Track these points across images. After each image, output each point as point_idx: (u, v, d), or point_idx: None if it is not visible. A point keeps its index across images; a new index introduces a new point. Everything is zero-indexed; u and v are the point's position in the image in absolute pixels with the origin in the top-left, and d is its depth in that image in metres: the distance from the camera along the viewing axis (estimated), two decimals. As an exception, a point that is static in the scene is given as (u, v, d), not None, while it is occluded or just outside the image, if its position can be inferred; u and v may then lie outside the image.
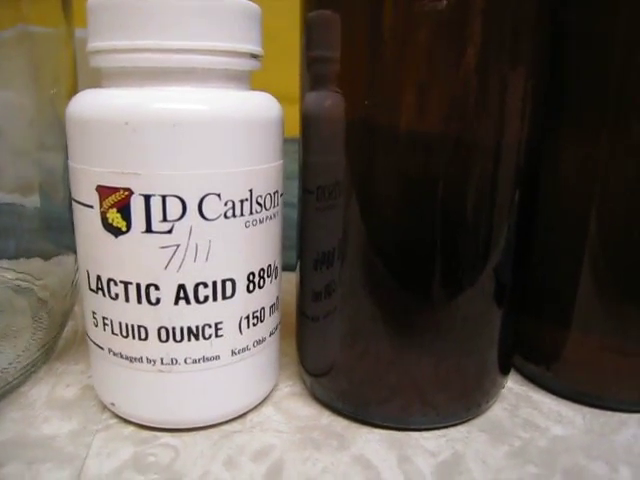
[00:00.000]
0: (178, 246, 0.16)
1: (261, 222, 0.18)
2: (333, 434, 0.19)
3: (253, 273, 0.18)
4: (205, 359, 0.18)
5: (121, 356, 0.18)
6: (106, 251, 0.17)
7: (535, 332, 0.22)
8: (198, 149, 0.16)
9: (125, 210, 0.16)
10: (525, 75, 0.17)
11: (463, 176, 0.17)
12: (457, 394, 0.19)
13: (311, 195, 0.19)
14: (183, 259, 0.17)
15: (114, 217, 0.16)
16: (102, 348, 0.18)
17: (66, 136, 0.17)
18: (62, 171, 0.23)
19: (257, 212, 0.17)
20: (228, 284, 0.17)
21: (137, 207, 0.16)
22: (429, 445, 0.19)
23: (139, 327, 0.17)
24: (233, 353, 0.18)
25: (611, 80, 0.18)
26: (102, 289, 0.17)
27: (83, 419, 0.19)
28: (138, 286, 0.17)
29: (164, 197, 0.16)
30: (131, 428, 0.19)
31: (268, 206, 0.18)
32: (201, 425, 0.19)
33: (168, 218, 0.16)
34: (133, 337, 0.17)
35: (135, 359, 0.18)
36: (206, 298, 0.17)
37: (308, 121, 0.19)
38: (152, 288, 0.17)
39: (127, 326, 0.17)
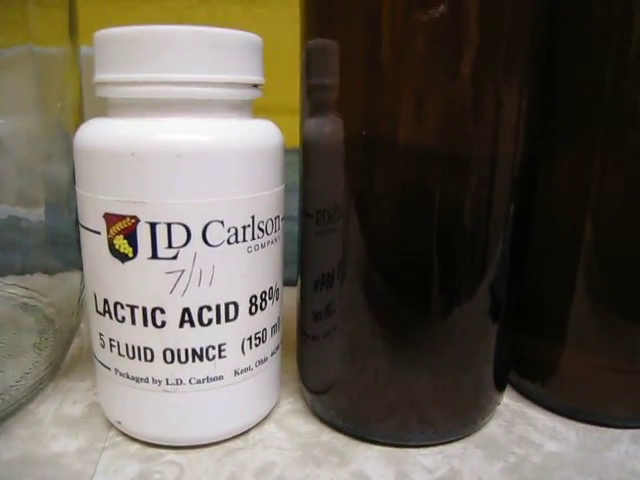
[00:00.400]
0: (183, 271, 0.17)
1: (263, 247, 0.18)
2: (333, 451, 0.20)
3: (255, 296, 0.18)
4: (209, 379, 0.18)
5: (127, 376, 0.18)
6: (113, 276, 0.17)
7: (531, 349, 0.23)
8: (202, 178, 0.17)
9: (131, 237, 0.17)
10: (520, 86, 0.17)
11: (460, 196, 0.17)
12: (454, 411, 0.20)
13: (311, 219, 0.19)
14: (188, 284, 0.17)
15: (121, 243, 0.17)
16: (109, 368, 0.19)
17: (73, 161, 0.18)
18: (67, 186, 0.24)
19: (259, 237, 0.18)
20: (231, 307, 0.18)
21: (143, 234, 0.17)
22: (426, 461, 0.19)
23: (145, 349, 0.18)
24: (236, 373, 0.19)
25: (604, 92, 0.19)
26: (109, 312, 0.18)
27: (90, 436, 0.20)
28: (144, 309, 0.17)
29: (169, 225, 0.17)
30: (137, 446, 0.20)
31: (269, 231, 0.18)
32: (205, 442, 0.19)
33: (173, 245, 0.17)
34: (139, 358, 0.18)
35: (141, 379, 0.18)
36: (210, 321, 0.18)
37: (308, 147, 0.19)
38: (158, 311, 0.17)
39: (133, 348, 0.18)
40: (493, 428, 0.21)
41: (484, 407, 0.20)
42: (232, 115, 0.18)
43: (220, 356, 0.18)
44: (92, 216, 0.17)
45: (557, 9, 0.18)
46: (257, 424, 0.21)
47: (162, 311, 0.17)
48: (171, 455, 0.19)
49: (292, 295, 0.22)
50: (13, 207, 0.26)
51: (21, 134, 0.25)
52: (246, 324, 0.18)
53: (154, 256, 0.17)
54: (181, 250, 0.17)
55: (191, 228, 0.17)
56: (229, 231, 0.17)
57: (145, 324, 0.17)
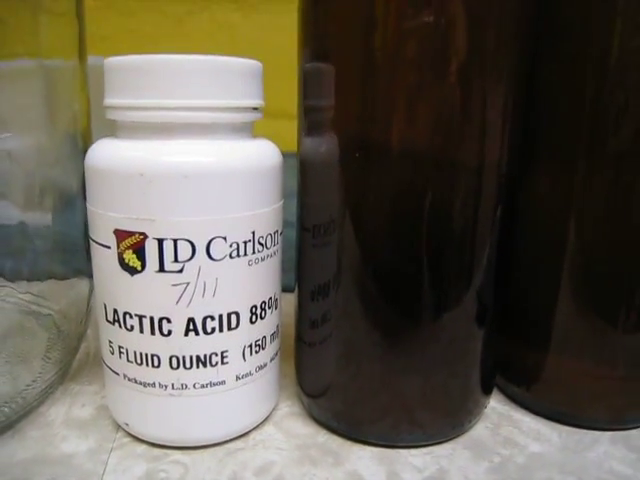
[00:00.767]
0: (188, 284, 0.18)
1: (263, 260, 0.19)
2: (329, 451, 0.21)
3: (255, 306, 0.20)
4: (212, 384, 0.19)
5: (135, 381, 0.20)
6: (122, 288, 0.19)
7: (516, 355, 0.24)
8: (206, 197, 0.18)
9: (140, 252, 0.18)
10: (507, 93, 0.18)
11: (448, 209, 0.18)
12: (442, 414, 0.21)
13: (308, 233, 0.21)
14: (192, 295, 0.18)
15: (130, 258, 0.18)
16: (117, 374, 0.20)
17: (83, 174, 0.19)
18: (75, 194, 0.24)
19: (259, 251, 0.19)
20: (233, 317, 0.19)
21: (151, 249, 0.18)
22: (416, 461, 0.20)
23: (152, 356, 0.19)
24: (237, 378, 0.20)
25: (586, 98, 0.20)
26: (118, 321, 0.19)
27: (99, 438, 0.21)
28: (152, 319, 0.19)
29: (175, 240, 0.18)
30: (143, 446, 0.21)
31: (269, 245, 0.20)
32: (208, 443, 0.21)
33: (179, 259, 0.18)
34: (147, 364, 0.19)
35: (148, 384, 0.19)
36: (213, 329, 0.19)
37: (304, 165, 0.21)
38: (164, 321, 0.18)
39: (141, 354, 0.19)
40: (480, 430, 0.22)
41: (471, 410, 0.22)
42: (234, 137, 0.19)
43: (222, 362, 0.19)
44: (103, 231, 0.19)
45: (541, 17, 0.19)
46: (257, 426, 0.22)
47: (168, 320, 0.18)
48: (176, 455, 0.20)
49: (291, 302, 0.23)
50: (22, 214, 0.27)
51: (30, 144, 0.25)
52: (247, 332, 0.20)
53: (161, 269, 0.18)
54: (186, 264, 0.18)
55: (196, 244, 0.18)
56: (231, 246, 0.18)
57: (152, 333, 0.19)
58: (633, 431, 0.22)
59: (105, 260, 0.19)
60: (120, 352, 0.20)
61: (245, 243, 0.19)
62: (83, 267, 0.24)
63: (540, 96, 0.21)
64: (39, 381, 0.23)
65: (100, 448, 0.21)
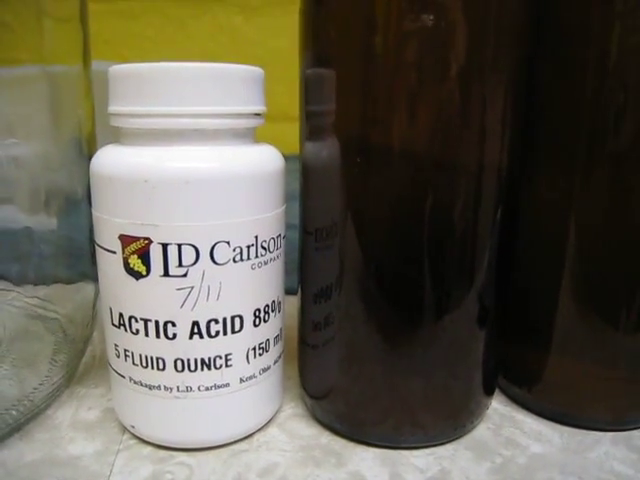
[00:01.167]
0: (192, 288, 0.18)
1: (266, 264, 0.20)
2: (332, 452, 0.21)
3: (259, 309, 0.20)
4: (216, 386, 0.20)
5: (141, 384, 0.20)
6: (128, 292, 0.19)
7: (517, 356, 0.24)
8: (209, 202, 0.18)
9: (145, 256, 0.18)
10: (507, 94, 0.18)
11: (449, 212, 0.19)
12: (444, 415, 0.21)
13: (310, 236, 0.21)
14: (197, 299, 0.19)
15: (135, 262, 0.18)
16: (123, 376, 0.20)
17: (89, 180, 0.19)
18: (81, 199, 0.25)
19: (262, 255, 0.19)
20: (237, 320, 0.19)
21: (156, 254, 0.18)
22: (418, 462, 0.21)
23: (157, 359, 0.19)
24: (241, 381, 0.20)
25: (586, 99, 0.20)
26: (124, 325, 0.19)
27: (106, 440, 0.21)
28: (157, 323, 0.19)
29: (180, 245, 0.18)
30: (149, 448, 0.21)
31: (272, 249, 0.20)
32: (213, 445, 0.21)
33: (183, 264, 0.18)
34: (152, 367, 0.19)
35: (154, 387, 0.20)
36: (217, 333, 0.19)
37: (306, 169, 0.21)
38: (169, 325, 0.19)
39: (147, 358, 0.19)
40: (482, 431, 0.22)
41: (473, 411, 0.22)
42: (236, 142, 0.19)
43: (227, 365, 0.20)
44: (108, 237, 0.19)
45: (540, 20, 0.19)
46: (261, 428, 0.22)
47: (173, 324, 0.19)
48: (181, 457, 0.21)
49: (294, 304, 0.23)
50: (28, 218, 0.27)
51: (35, 150, 0.26)
52: (250, 335, 0.20)
53: (166, 274, 0.18)
54: (190, 268, 0.18)
55: (200, 248, 0.18)
56: (234, 250, 0.19)
57: (157, 336, 0.19)
58: (635, 432, 0.23)
59: (110, 265, 0.19)
60: (126, 355, 0.20)
61: (248, 247, 0.19)
62: (89, 271, 0.25)
63: (539, 97, 0.21)
64: (46, 384, 0.23)
65: (107, 450, 0.21)
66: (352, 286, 0.20)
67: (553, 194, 0.21)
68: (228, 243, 0.18)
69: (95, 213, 0.19)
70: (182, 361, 0.19)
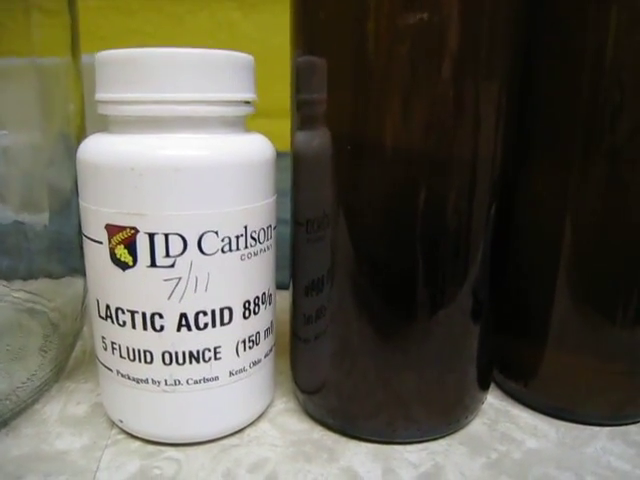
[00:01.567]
0: (180, 279, 0.18)
1: (255, 255, 0.19)
2: (324, 447, 0.21)
3: (249, 301, 0.20)
4: (205, 380, 0.19)
5: (128, 377, 0.19)
6: (114, 283, 0.19)
7: (514, 350, 0.24)
8: (197, 191, 0.18)
9: (131, 246, 0.18)
10: (501, 90, 0.18)
11: (442, 202, 0.18)
12: (438, 409, 0.21)
13: (301, 227, 0.20)
14: (184, 290, 0.18)
15: (121, 253, 0.18)
16: (111, 370, 0.20)
17: (76, 173, 0.19)
18: (70, 193, 0.24)
19: (252, 246, 0.19)
20: (226, 312, 0.19)
21: (142, 244, 0.18)
22: (412, 457, 0.20)
23: (145, 351, 0.19)
24: (231, 374, 0.20)
25: (582, 95, 0.19)
26: (111, 317, 0.19)
27: (93, 435, 0.21)
28: (144, 315, 0.18)
29: (167, 235, 0.18)
30: (138, 443, 0.21)
31: (262, 240, 0.19)
32: (202, 440, 0.21)
33: (170, 254, 0.18)
34: (139, 360, 0.19)
35: (141, 380, 0.19)
36: (206, 325, 0.19)
37: (297, 159, 0.20)
38: (157, 316, 0.18)
39: (134, 350, 0.19)
40: (477, 426, 0.22)
41: (468, 406, 0.21)
42: (226, 130, 0.19)
43: (216, 358, 0.19)
44: (94, 227, 0.18)
45: (535, 15, 0.19)
46: (252, 422, 0.22)
47: (161, 316, 0.18)
48: (170, 452, 0.20)
49: (287, 299, 0.23)
50: (18, 213, 0.27)
51: (25, 143, 0.26)
52: (240, 328, 0.20)
53: (153, 264, 0.18)
54: (178, 259, 0.18)
55: (187, 238, 0.18)
56: (223, 240, 0.18)
57: (145, 328, 0.19)
58: (632, 426, 0.22)
59: (97, 255, 0.19)
60: (113, 348, 0.19)
61: (237, 238, 0.19)
62: (79, 265, 0.24)
63: (535, 95, 0.21)
64: (34, 379, 0.23)
65: (94, 445, 0.21)
66: (344, 279, 0.20)
67: (550, 190, 0.21)
68: (216, 233, 0.18)
69: (82, 203, 0.19)
70: (170, 354, 0.19)
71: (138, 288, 0.18)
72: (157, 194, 0.17)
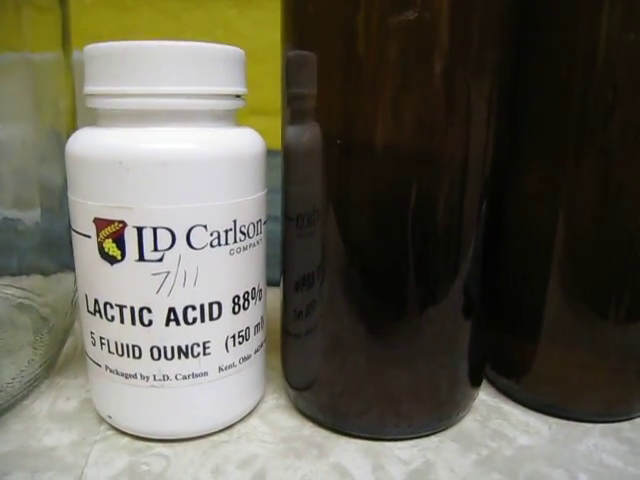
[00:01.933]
0: (168, 273, 0.18)
1: (245, 249, 0.19)
2: (314, 444, 0.20)
3: (238, 296, 0.19)
4: (194, 375, 0.19)
5: (117, 372, 0.19)
6: (103, 277, 0.18)
7: (506, 347, 0.24)
8: (186, 185, 0.17)
9: (120, 240, 0.18)
10: (492, 88, 0.18)
11: (434, 198, 0.18)
12: (429, 406, 0.21)
13: (292, 222, 0.20)
14: (173, 284, 0.18)
15: (110, 247, 0.18)
16: (99, 365, 0.20)
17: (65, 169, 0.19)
18: (62, 190, 0.24)
19: (241, 240, 0.19)
20: (215, 307, 0.19)
21: (130, 238, 0.18)
22: (402, 454, 0.20)
23: (133, 346, 0.19)
24: (220, 369, 0.20)
25: (574, 94, 0.19)
26: (99, 311, 0.19)
27: (82, 431, 0.21)
28: (132, 309, 0.18)
29: (155, 229, 0.17)
30: (126, 439, 0.20)
31: (251, 234, 0.19)
32: (191, 436, 0.20)
33: (159, 248, 0.18)
34: (128, 355, 0.19)
35: (130, 375, 0.19)
36: (194, 320, 0.19)
37: (288, 154, 0.20)
38: (145, 311, 0.18)
39: (122, 345, 0.19)
40: (469, 422, 0.22)
41: (459, 402, 0.21)
42: (216, 124, 0.19)
43: (205, 353, 0.19)
44: (83, 220, 0.18)
45: (527, 12, 0.19)
46: (242, 419, 0.22)
47: (149, 310, 0.18)
48: (159, 448, 0.20)
49: (279, 295, 0.23)
50: (9, 210, 0.27)
51: (16, 139, 0.25)
52: (229, 323, 0.19)
53: (141, 259, 0.18)
54: (166, 253, 0.18)
55: (176, 232, 0.18)
56: (212, 235, 0.18)
57: (133, 323, 0.18)
58: (624, 423, 0.22)
59: (85, 250, 0.19)
60: (102, 343, 0.19)
61: (226, 232, 0.18)
62: (70, 261, 0.24)
63: (527, 93, 0.20)
64: (24, 374, 0.23)
65: (83, 441, 0.20)
66: (334, 274, 0.19)
67: (542, 187, 0.21)
68: (205, 227, 0.18)
69: (71, 197, 0.19)
70: (158, 349, 0.19)
71: (126, 282, 0.18)
72: (144, 188, 0.17)
